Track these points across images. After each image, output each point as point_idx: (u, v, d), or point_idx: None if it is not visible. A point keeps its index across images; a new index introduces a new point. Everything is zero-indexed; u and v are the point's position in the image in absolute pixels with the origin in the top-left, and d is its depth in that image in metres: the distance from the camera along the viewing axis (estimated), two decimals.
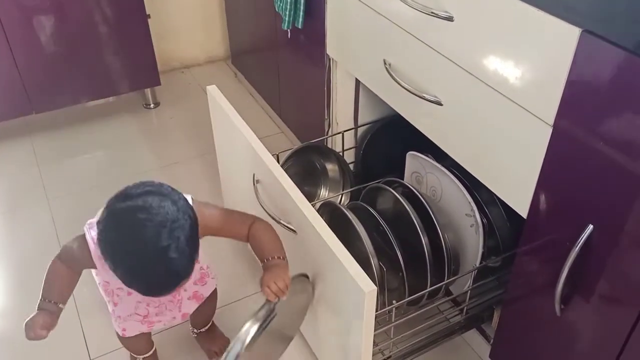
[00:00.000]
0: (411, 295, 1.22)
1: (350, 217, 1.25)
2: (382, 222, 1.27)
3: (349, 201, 1.59)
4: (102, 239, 0.91)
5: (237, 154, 1.42)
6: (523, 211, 0.99)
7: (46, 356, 1.36)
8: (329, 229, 1.06)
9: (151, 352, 1.32)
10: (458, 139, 1.11)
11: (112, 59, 2.06)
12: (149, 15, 2.04)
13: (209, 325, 1.38)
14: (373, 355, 1.09)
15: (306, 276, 1.14)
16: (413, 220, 1.24)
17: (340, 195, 1.62)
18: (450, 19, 1.01)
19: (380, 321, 1.21)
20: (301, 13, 1.58)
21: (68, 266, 1.07)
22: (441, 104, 1.11)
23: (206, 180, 1.93)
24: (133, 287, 0.93)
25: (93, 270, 1.12)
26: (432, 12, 1.03)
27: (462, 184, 1.27)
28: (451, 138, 1.13)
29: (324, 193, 1.64)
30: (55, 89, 2.02)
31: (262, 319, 1.01)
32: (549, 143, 0.89)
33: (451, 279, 1.26)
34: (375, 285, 0.95)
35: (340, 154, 1.61)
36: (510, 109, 0.94)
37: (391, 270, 1.27)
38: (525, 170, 0.95)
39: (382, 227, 1.27)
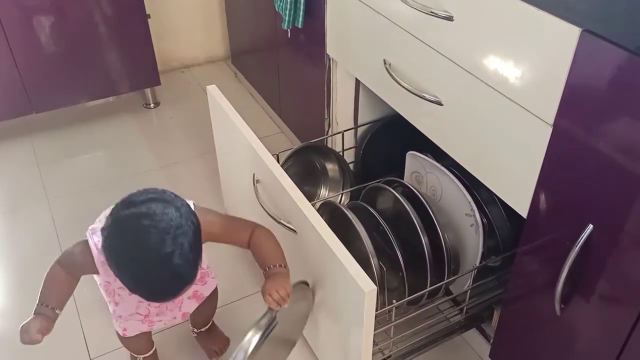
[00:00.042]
0: (411, 295, 1.22)
1: (350, 217, 1.25)
2: (382, 222, 1.27)
3: (349, 201, 1.59)
4: (107, 246, 0.93)
5: (237, 154, 1.42)
6: (523, 211, 0.99)
7: (46, 356, 1.36)
8: (329, 228, 1.06)
9: (151, 352, 1.32)
10: (458, 138, 1.11)
11: (112, 59, 2.06)
12: (149, 15, 2.04)
13: (209, 325, 1.38)
14: (373, 354, 1.10)
15: (306, 283, 1.15)
16: (413, 220, 1.24)
17: (340, 195, 1.62)
18: (450, 18, 1.01)
19: (380, 321, 1.21)
20: (301, 13, 1.58)
21: (68, 272, 1.07)
22: (441, 104, 1.11)
23: (206, 180, 1.93)
24: (137, 293, 0.94)
25: None
26: (431, 12, 1.03)
27: (462, 184, 1.27)
28: (451, 138, 1.13)
29: (324, 193, 1.64)
30: (55, 88, 2.02)
31: (264, 327, 1.03)
32: (549, 143, 0.89)
33: (451, 279, 1.26)
34: (375, 284, 0.95)
35: (340, 153, 1.61)
36: (510, 108, 0.94)
37: (391, 269, 1.27)
38: (525, 170, 0.95)
39: (382, 227, 1.27)
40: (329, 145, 1.67)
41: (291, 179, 1.18)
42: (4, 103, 1.98)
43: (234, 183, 1.56)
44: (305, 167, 1.60)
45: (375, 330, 1.04)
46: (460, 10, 0.99)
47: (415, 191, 1.31)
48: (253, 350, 1.02)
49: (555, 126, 0.87)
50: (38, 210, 1.83)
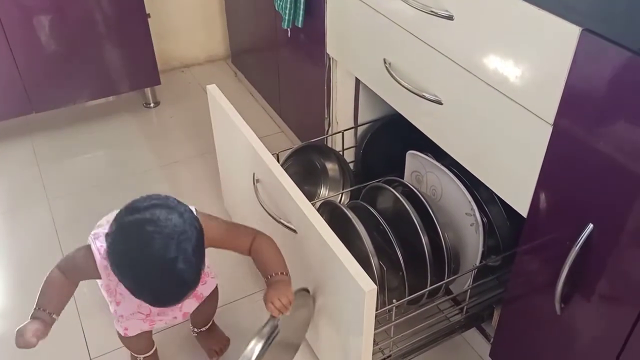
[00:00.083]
0: (411, 295, 1.22)
1: (351, 217, 1.25)
2: (382, 221, 1.27)
3: (349, 200, 1.59)
4: (112, 252, 0.94)
5: (237, 154, 1.42)
6: (523, 210, 0.99)
7: (46, 356, 1.36)
8: (329, 228, 1.06)
9: (152, 352, 1.32)
10: (458, 138, 1.11)
11: (112, 59, 2.06)
12: (149, 14, 2.04)
13: (209, 325, 1.38)
14: (373, 354, 1.10)
15: (307, 290, 1.16)
16: (413, 220, 1.24)
17: (340, 195, 1.62)
18: (450, 17, 1.01)
19: (380, 320, 1.21)
20: (301, 12, 1.58)
21: (67, 277, 1.07)
22: (441, 103, 1.11)
23: (206, 180, 1.93)
24: (141, 298, 0.95)
25: None
26: (432, 11, 1.03)
27: (462, 183, 1.27)
28: (451, 137, 1.13)
29: (324, 192, 1.64)
30: (55, 88, 2.02)
31: (267, 335, 1.05)
32: (549, 142, 0.89)
33: (451, 278, 1.26)
34: (376, 284, 0.95)
35: (340, 153, 1.61)
36: (511, 107, 0.94)
37: (391, 269, 1.27)
38: (526, 169, 0.95)
39: (382, 226, 1.27)
40: (329, 145, 1.67)
41: (291, 178, 1.18)
42: (4, 103, 1.98)
43: (234, 182, 1.56)
44: (305, 166, 1.60)
45: (375, 329, 1.04)
46: (461, 10, 0.99)
47: (416, 190, 1.31)
48: (256, 359, 1.03)
49: (556, 125, 0.87)
50: (38, 210, 1.83)
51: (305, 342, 1.36)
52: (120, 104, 2.33)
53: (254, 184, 1.30)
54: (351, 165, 1.65)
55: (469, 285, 1.26)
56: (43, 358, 1.36)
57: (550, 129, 0.88)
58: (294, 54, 1.83)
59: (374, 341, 1.08)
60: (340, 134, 1.61)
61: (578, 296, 0.92)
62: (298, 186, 1.16)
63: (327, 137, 1.69)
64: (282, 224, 1.20)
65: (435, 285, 1.23)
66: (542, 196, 0.94)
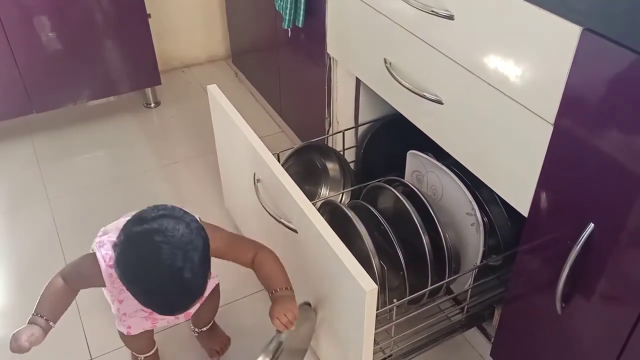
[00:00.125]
0: (412, 294, 1.22)
1: (351, 216, 1.25)
2: (382, 221, 1.27)
3: (350, 200, 1.59)
4: (120, 262, 0.95)
5: (237, 153, 1.42)
6: (524, 210, 0.99)
7: (47, 355, 1.36)
8: (329, 228, 1.06)
9: (153, 351, 1.32)
10: (459, 137, 1.11)
11: (112, 59, 2.06)
12: (149, 14, 2.04)
13: (210, 325, 1.38)
14: (374, 353, 1.10)
15: (309, 304, 1.17)
16: (414, 219, 1.24)
17: (340, 194, 1.62)
18: (450, 17, 1.01)
19: (381, 320, 1.21)
20: (301, 12, 1.58)
21: (69, 284, 1.08)
22: (442, 103, 1.11)
23: (207, 180, 1.93)
24: (149, 307, 0.98)
25: None
26: (432, 11, 1.03)
27: (463, 183, 1.27)
28: (452, 137, 1.13)
29: (324, 192, 1.64)
30: (55, 88, 2.02)
31: (273, 351, 1.08)
32: (550, 141, 0.89)
33: (452, 278, 1.26)
34: (376, 284, 0.95)
35: (341, 153, 1.61)
36: (511, 107, 0.94)
37: (392, 269, 1.27)
38: (526, 169, 0.95)
39: (383, 226, 1.27)
40: (330, 145, 1.67)
41: (292, 178, 1.18)
42: (4, 103, 1.98)
43: (235, 182, 1.56)
44: (306, 166, 1.60)
45: (376, 329, 1.04)
46: (461, 9, 0.99)
47: (416, 190, 1.31)
48: None
49: (556, 125, 0.87)
50: (39, 210, 1.83)
51: None
52: (121, 104, 2.33)
53: (254, 183, 1.30)
54: (352, 165, 1.65)
55: (469, 285, 1.26)
56: (44, 358, 1.36)
57: (551, 129, 0.88)
58: (294, 53, 1.83)
59: (375, 341, 1.08)
60: (341, 133, 1.61)
61: (579, 296, 0.92)
62: (299, 186, 1.16)
63: (327, 137, 1.69)
64: (283, 223, 1.20)
65: (436, 285, 1.23)
66: (543, 196, 0.94)
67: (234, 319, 1.46)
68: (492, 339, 1.28)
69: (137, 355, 1.32)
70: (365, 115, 1.64)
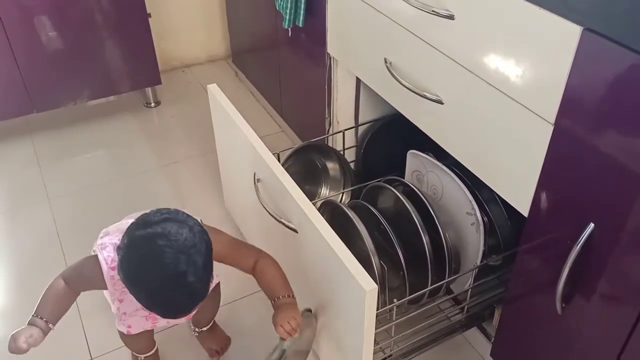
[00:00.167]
0: (412, 294, 1.22)
1: (351, 216, 1.25)
2: (383, 221, 1.27)
3: (350, 200, 1.59)
4: (123, 265, 0.96)
5: (238, 153, 1.42)
6: (524, 210, 0.99)
7: (47, 355, 1.36)
8: (329, 227, 1.06)
9: (153, 351, 1.32)
10: (459, 137, 1.11)
11: (112, 58, 2.06)
12: (149, 14, 2.04)
13: (210, 324, 1.38)
14: (374, 353, 1.10)
15: (310, 310, 1.17)
16: (414, 219, 1.24)
17: (341, 194, 1.62)
18: (451, 17, 1.01)
19: (381, 320, 1.21)
20: (302, 12, 1.58)
21: (71, 286, 1.09)
22: (442, 103, 1.11)
23: (207, 179, 1.93)
24: (153, 310, 0.98)
25: None
26: (432, 11, 1.03)
27: (463, 183, 1.27)
28: (452, 136, 1.13)
29: (324, 192, 1.64)
30: (56, 88, 2.03)
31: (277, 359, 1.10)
32: (550, 141, 0.89)
33: (452, 278, 1.26)
34: (376, 283, 0.95)
35: (341, 152, 1.61)
36: (512, 107, 0.94)
37: (392, 268, 1.27)
38: (526, 169, 0.95)
39: (383, 226, 1.27)
40: (330, 144, 1.67)
41: (292, 178, 1.18)
42: (5, 102, 1.98)
43: (235, 182, 1.56)
44: (306, 166, 1.60)
45: (376, 329, 1.04)
46: (461, 9, 0.99)
47: (416, 190, 1.31)
48: None
49: (557, 125, 0.87)
50: (39, 210, 1.83)
51: None
52: (121, 103, 2.33)
53: (254, 183, 1.30)
54: (352, 165, 1.65)
55: (469, 285, 1.26)
56: (44, 357, 1.36)
57: (551, 129, 0.88)
58: (294, 53, 1.83)
59: (375, 340, 1.08)
60: (341, 133, 1.61)
61: (579, 296, 0.92)
62: (299, 186, 1.16)
63: (327, 137, 1.69)
64: (283, 223, 1.20)
65: (436, 285, 1.23)
66: (543, 195, 0.94)
67: (234, 319, 1.46)
68: (492, 339, 1.28)
69: (137, 355, 1.32)
70: (366, 115, 1.64)
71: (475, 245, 1.27)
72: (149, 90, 2.29)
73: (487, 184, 1.07)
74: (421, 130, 1.22)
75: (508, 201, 1.04)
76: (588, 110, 0.81)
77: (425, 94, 1.14)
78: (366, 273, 0.97)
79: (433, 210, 1.26)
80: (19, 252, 1.69)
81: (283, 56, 1.93)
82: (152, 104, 2.33)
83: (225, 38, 2.60)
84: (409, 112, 1.24)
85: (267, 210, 1.24)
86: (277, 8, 1.68)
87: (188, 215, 1.01)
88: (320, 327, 1.21)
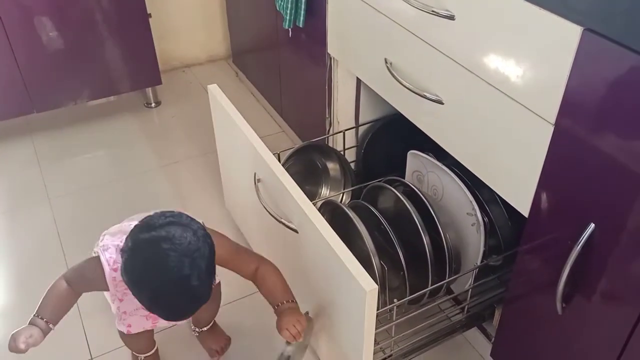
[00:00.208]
0: (412, 294, 1.22)
1: (352, 216, 1.25)
2: (383, 221, 1.27)
3: (350, 200, 1.59)
4: (127, 268, 0.97)
5: (238, 153, 1.42)
6: (524, 210, 0.99)
7: (47, 355, 1.36)
8: (330, 228, 1.06)
9: (153, 351, 1.32)
10: (459, 137, 1.11)
11: (113, 58, 2.06)
12: (149, 14, 2.04)
13: (210, 325, 1.38)
14: (374, 353, 1.10)
15: (307, 313, 1.18)
16: (414, 219, 1.24)
17: (341, 194, 1.62)
18: (451, 17, 1.01)
19: (381, 320, 1.21)
20: (302, 12, 1.58)
21: (73, 288, 1.09)
22: (442, 103, 1.11)
23: (207, 180, 1.93)
24: (156, 313, 0.99)
25: None
26: (433, 11, 1.03)
27: (463, 183, 1.27)
28: (452, 137, 1.13)
29: (325, 192, 1.64)
30: (56, 88, 2.03)
31: None
32: (551, 141, 0.89)
33: (452, 278, 1.26)
34: (377, 284, 0.95)
35: (342, 152, 1.61)
36: (512, 107, 0.94)
37: (392, 269, 1.27)
38: (527, 169, 0.95)
39: (383, 226, 1.27)
40: (330, 145, 1.67)
41: (292, 178, 1.18)
42: (5, 102, 1.98)
43: (235, 182, 1.56)
44: (307, 166, 1.60)
45: (376, 329, 1.04)
46: (462, 9, 0.99)
47: (417, 190, 1.31)
48: None
49: (557, 125, 0.87)
50: (39, 210, 1.83)
51: None
52: (121, 103, 2.33)
53: (255, 183, 1.30)
54: (352, 165, 1.65)
55: (470, 285, 1.26)
56: (44, 357, 1.36)
57: (551, 129, 0.88)
58: (295, 53, 1.83)
59: (375, 340, 1.08)
60: (342, 133, 1.61)
61: (579, 296, 0.92)
62: (299, 186, 1.16)
63: (328, 137, 1.69)
64: (283, 223, 1.20)
65: (437, 285, 1.23)
66: (544, 196, 0.94)
67: (234, 319, 1.46)
68: (493, 339, 1.28)
69: (137, 355, 1.32)
70: (366, 115, 1.64)
71: (475, 246, 1.27)
72: (149, 90, 2.29)
73: (488, 184, 1.07)
74: (421, 130, 1.22)
75: (508, 201, 1.04)
76: (588, 110, 0.81)
77: (426, 94, 1.14)
78: (366, 273, 0.97)
79: (433, 211, 1.26)
80: (19, 252, 1.69)
81: (283, 56, 1.93)
82: (153, 104, 2.33)
83: (226, 38, 2.60)
84: (409, 112, 1.24)
85: (267, 211, 1.24)
86: (278, 8, 1.68)
87: (192, 219, 1.01)
88: (320, 327, 1.21)
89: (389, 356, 1.26)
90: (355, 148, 1.68)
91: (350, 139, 1.65)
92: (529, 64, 0.89)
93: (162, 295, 0.96)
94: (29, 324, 1.05)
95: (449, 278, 1.25)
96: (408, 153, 1.44)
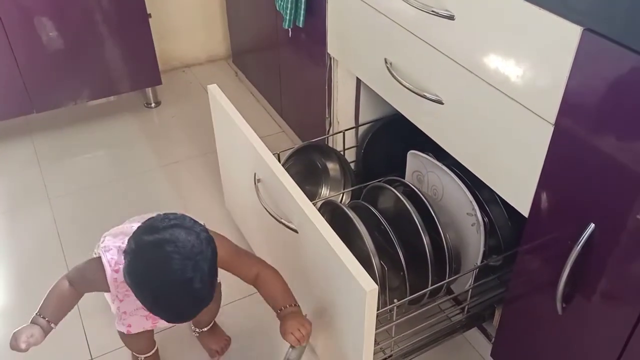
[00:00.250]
0: (412, 294, 1.22)
1: (352, 216, 1.25)
2: (383, 221, 1.27)
3: (350, 200, 1.59)
4: (130, 270, 0.97)
5: (238, 153, 1.42)
6: (524, 210, 0.99)
7: (47, 355, 1.36)
8: (330, 228, 1.06)
9: (153, 351, 1.32)
10: (459, 137, 1.11)
11: (113, 58, 2.06)
12: (149, 14, 2.04)
13: (210, 325, 1.38)
14: (374, 354, 1.10)
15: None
16: (414, 219, 1.24)
17: (341, 194, 1.62)
18: (451, 17, 1.01)
19: (381, 320, 1.21)
20: (302, 12, 1.58)
21: (75, 288, 1.10)
22: (442, 103, 1.11)
23: (207, 180, 1.93)
24: (158, 315, 0.99)
25: None
26: (433, 11, 1.03)
27: (463, 183, 1.27)
28: (452, 137, 1.13)
29: (325, 192, 1.64)
30: (56, 88, 2.02)
31: None
32: (551, 141, 0.89)
33: (452, 278, 1.26)
34: (377, 284, 0.95)
35: (341, 153, 1.61)
36: (512, 107, 0.94)
37: (392, 269, 1.27)
38: (527, 169, 0.95)
39: (383, 226, 1.27)
40: (330, 145, 1.67)
41: (292, 178, 1.18)
42: (5, 102, 1.98)
43: (235, 182, 1.56)
44: (306, 166, 1.60)
45: (376, 329, 1.04)
46: (462, 10, 0.99)
47: (417, 190, 1.31)
48: None
49: (557, 125, 0.87)
50: (39, 210, 1.83)
51: None
52: (121, 103, 2.33)
53: (255, 183, 1.30)
54: (352, 165, 1.65)
55: (470, 285, 1.26)
56: (44, 357, 1.36)
57: (551, 129, 0.88)
58: (295, 53, 1.83)
59: (375, 341, 1.08)
60: (341, 133, 1.61)
61: (579, 296, 0.92)
62: (299, 186, 1.16)
63: (328, 137, 1.69)
64: (283, 224, 1.20)
65: (437, 285, 1.23)
66: (544, 196, 0.94)
67: (234, 319, 1.46)
68: (493, 339, 1.28)
69: (138, 355, 1.32)
70: (366, 115, 1.64)
71: (475, 246, 1.27)
72: (149, 90, 2.29)
73: (487, 184, 1.07)
74: (421, 131, 1.22)
75: (508, 201, 1.04)
76: (588, 110, 0.81)
77: (425, 94, 1.14)
78: (366, 273, 0.97)
79: (433, 211, 1.26)
80: (19, 252, 1.69)
81: (283, 56, 1.93)
82: (153, 104, 2.33)
83: (226, 38, 2.60)
84: (409, 112, 1.24)
85: (267, 211, 1.24)
86: (277, 8, 1.68)
87: (195, 221, 1.02)
88: (320, 327, 1.21)
89: (389, 356, 1.26)
90: (355, 148, 1.68)
91: (350, 139, 1.65)
92: (528, 64, 0.88)
93: (165, 298, 0.96)
94: (30, 322, 1.05)
95: (449, 278, 1.25)
96: (408, 153, 1.44)
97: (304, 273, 1.19)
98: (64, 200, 1.86)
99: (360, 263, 0.99)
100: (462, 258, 1.32)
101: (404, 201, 1.27)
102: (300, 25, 1.61)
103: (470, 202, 1.25)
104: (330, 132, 1.70)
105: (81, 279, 1.10)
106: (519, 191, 0.99)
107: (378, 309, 1.00)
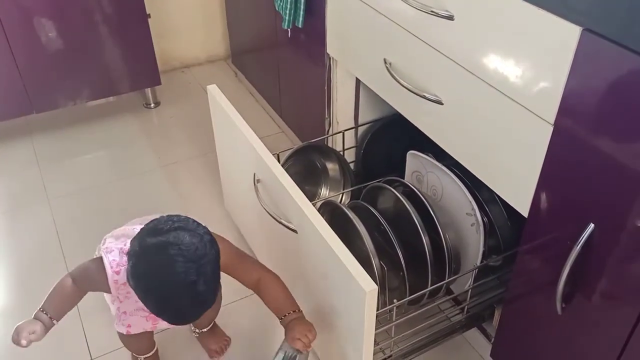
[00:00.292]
0: (412, 295, 1.22)
1: (351, 217, 1.25)
2: (382, 221, 1.27)
3: (350, 200, 1.59)
4: (134, 272, 0.97)
5: (237, 154, 1.42)
6: (524, 210, 0.99)
7: (47, 355, 1.36)
8: (329, 228, 1.06)
9: (153, 352, 1.32)
10: (459, 137, 1.11)
11: (112, 59, 2.06)
12: (149, 14, 2.04)
13: (210, 325, 1.38)
14: (374, 354, 1.10)
15: None
16: (414, 220, 1.24)
17: (340, 195, 1.62)
18: (450, 17, 1.01)
19: (381, 320, 1.21)
20: (301, 12, 1.58)
21: (78, 286, 1.10)
22: (442, 103, 1.11)
23: (207, 180, 1.93)
24: (161, 316, 0.99)
25: None
26: (432, 11, 1.03)
27: (463, 183, 1.27)
28: (452, 137, 1.13)
29: (324, 192, 1.64)
30: (55, 88, 2.02)
31: None
32: (550, 142, 0.89)
33: (452, 278, 1.26)
34: (376, 284, 0.95)
35: (341, 153, 1.61)
36: (511, 107, 0.94)
37: (392, 269, 1.27)
38: (526, 169, 0.95)
39: (383, 227, 1.27)
40: (330, 145, 1.67)
41: (292, 178, 1.18)
42: (4, 103, 1.98)
43: (235, 183, 1.56)
44: (306, 166, 1.60)
45: (376, 329, 1.04)
46: (461, 10, 0.99)
47: (416, 190, 1.31)
48: None
49: (556, 125, 0.87)
50: (39, 210, 1.83)
51: None
52: (121, 104, 2.33)
53: (254, 184, 1.30)
54: (352, 165, 1.65)
55: (469, 285, 1.26)
56: (44, 357, 1.37)
57: (551, 129, 0.88)
58: (294, 54, 1.83)
59: (375, 341, 1.08)
60: (341, 134, 1.61)
61: (579, 296, 0.92)
62: (298, 186, 1.16)
63: (327, 137, 1.69)
64: (283, 224, 1.20)
65: (436, 285, 1.23)
66: (543, 196, 0.94)
67: (234, 319, 1.46)
68: (492, 339, 1.28)
69: (137, 356, 1.32)
70: (365, 116, 1.64)
71: (475, 246, 1.27)
72: (148, 90, 2.29)
73: (487, 185, 1.07)
74: (421, 131, 1.22)
75: (508, 201, 1.04)
76: (588, 110, 0.81)
77: (425, 94, 1.14)
78: (366, 274, 0.96)
79: (433, 211, 1.26)
80: (19, 252, 1.69)
81: (282, 57, 1.93)
82: (152, 105, 2.33)
83: (225, 38, 2.60)
84: (409, 112, 1.24)
85: (267, 211, 1.24)
86: (277, 8, 1.68)
87: (198, 224, 1.02)
88: (320, 327, 1.21)
89: (389, 356, 1.26)
90: (354, 148, 1.68)
91: (350, 139, 1.65)
92: (528, 64, 0.89)
93: (168, 300, 0.97)
94: (33, 317, 1.06)
95: (448, 278, 1.25)
96: (407, 153, 1.44)
97: (303, 273, 1.19)
98: (63, 201, 1.86)
99: (360, 263, 0.99)
100: (462, 258, 1.32)
101: (404, 201, 1.27)
102: (300, 26, 1.61)
103: (470, 202, 1.25)
104: (330, 133, 1.70)
105: (84, 278, 1.10)
106: (519, 191, 0.99)
107: (378, 309, 1.00)
